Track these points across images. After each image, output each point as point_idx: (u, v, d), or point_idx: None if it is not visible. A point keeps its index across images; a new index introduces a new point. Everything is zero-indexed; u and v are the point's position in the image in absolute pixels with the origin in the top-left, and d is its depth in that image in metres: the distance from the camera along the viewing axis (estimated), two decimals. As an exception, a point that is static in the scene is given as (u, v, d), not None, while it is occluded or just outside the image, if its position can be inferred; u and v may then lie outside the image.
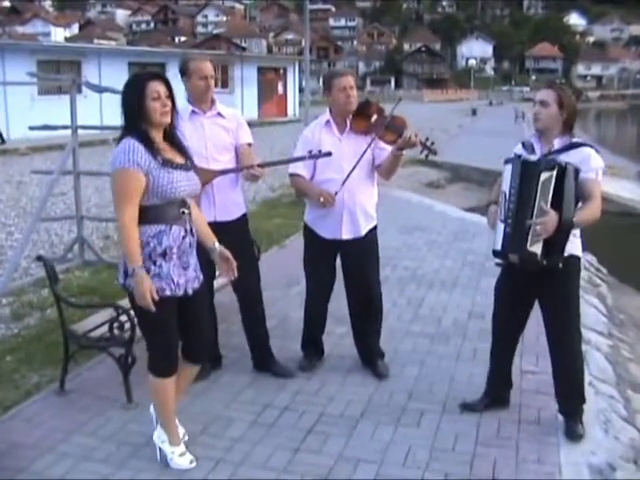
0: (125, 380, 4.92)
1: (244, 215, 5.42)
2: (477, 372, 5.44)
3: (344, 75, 5.28)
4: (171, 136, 4.06)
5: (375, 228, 5.48)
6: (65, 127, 8.64)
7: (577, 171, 4.30)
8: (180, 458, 4.24)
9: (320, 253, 5.47)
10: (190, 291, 4.03)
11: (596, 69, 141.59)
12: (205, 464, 4.26)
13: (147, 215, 3.87)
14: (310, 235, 5.50)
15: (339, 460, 4.31)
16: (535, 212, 4.28)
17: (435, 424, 4.77)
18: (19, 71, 12.01)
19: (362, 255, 5.39)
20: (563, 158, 4.38)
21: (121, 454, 4.38)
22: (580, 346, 4.74)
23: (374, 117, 5.15)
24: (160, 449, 4.29)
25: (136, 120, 3.89)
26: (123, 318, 4.91)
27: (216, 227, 5.06)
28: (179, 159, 4.01)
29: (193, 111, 5.18)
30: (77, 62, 30.96)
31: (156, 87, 3.90)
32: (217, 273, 5.14)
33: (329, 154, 5.02)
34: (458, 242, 10.28)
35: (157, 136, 3.96)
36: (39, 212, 8.38)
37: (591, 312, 7.45)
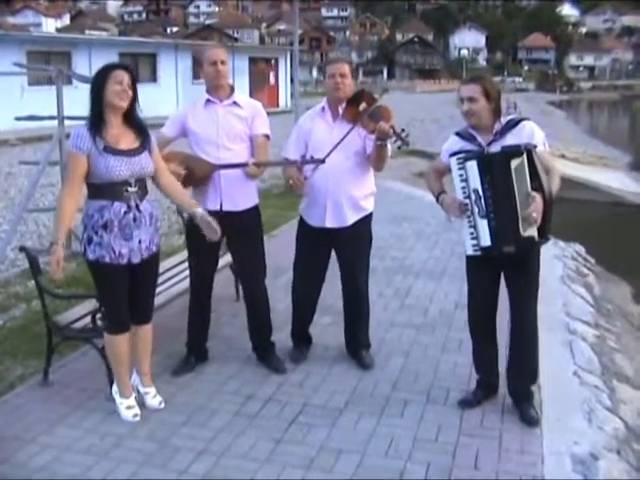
0: (108, 371, 4.90)
1: (255, 207, 5.37)
2: (462, 362, 5.45)
3: (335, 62, 5.34)
4: (130, 119, 4.52)
5: (367, 219, 5.45)
6: (52, 118, 8.60)
7: (535, 147, 4.41)
8: (126, 410, 4.71)
9: (310, 241, 5.48)
10: (136, 260, 4.54)
11: (588, 60, 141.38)
12: (187, 454, 4.26)
13: (93, 191, 4.47)
14: (302, 223, 5.55)
15: (321, 450, 4.31)
16: (518, 199, 4.31)
17: (419, 414, 4.77)
18: (8, 62, 11.91)
19: (349, 245, 5.39)
20: (510, 137, 4.52)
21: (104, 445, 4.38)
22: (536, 324, 4.77)
23: (362, 106, 5.14)
24: (114, 400, 4.79)
25: (97, 103, 4.38)
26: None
27: (222, 216, 5.11)
28: (129, 144, 4.48)
29: (208, 100, 5.21)
30: (67, 53, 30.83)
31: (121, 74, 4.39)
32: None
33: (322, 161, 5.03)
34: (447, 232, 10.25)
35: (113, 119, 4.45)
36: (25, 203, 8.36)
37: (578, 302, 7.46)
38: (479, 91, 4.53)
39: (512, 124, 4.60)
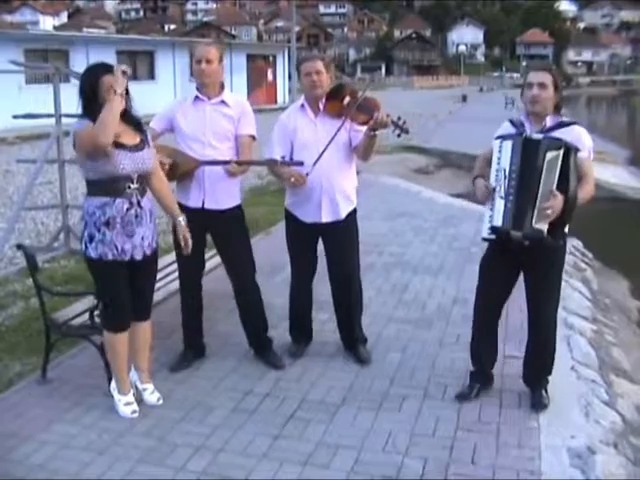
0: (107, 368, 4.91)
1: (237, 207, 5.36)
2: (460, 357, 5.46)
3: (310, 60, 5.28)
4: (128, 117, 4.49)
5: (355, 212, 5.47)
6: (49, 116, 8.60)
7: (577, 150, 4.39)
8: (125, 407, 4.72)
9: (301, 237, 5.49)
10: (138, 257, 4.54)
11: (587, 55, 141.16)
12: (185, 450, 4.27)
13: (94, 188, 4.44)
14: (291, 219, 5.53)
15: (319, 446, 4.32)
16: (540, 190, 4.31)
17: (416, 409, 4.78)
18: (5, 60, 11.90)
19: (342, 238, 5.40)
20: (557, 135, 4.47)
21: (102, 442, 4.39)
22: (556, 317, 4.83)
23: (347, 99, 5.14)
24: (112, 396, 4.78)
25: (92, 107, 4.32)
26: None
27: (205, 214, 5.13)
28: (131, 139, 4.47)
29: (197, 97, 5.20)
30: (65, 51, 30.82)
31: (109, 80, 4.30)
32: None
33: (301, 163, 5.06)
34: (444, 228, 10.29)
35: None
36: (23, 201, 8.37)
37: (575, 297, 7.46)
38: (550, 80, 4.53)
39: (564, 124, 4.59)
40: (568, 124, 4.61)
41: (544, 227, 4.37)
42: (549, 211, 4.28)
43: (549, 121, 4.58)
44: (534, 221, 4.34)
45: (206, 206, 5.19)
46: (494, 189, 4.52)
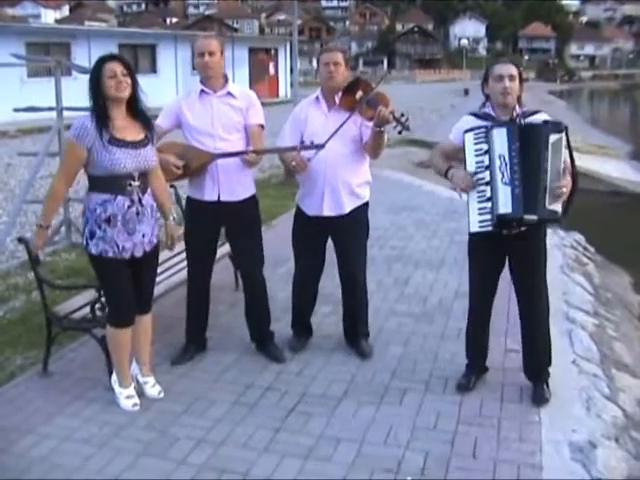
0: (108, 361, 4.92)
1: (252, 197, 5.36)
2: (461, 351, 5.43)
3: (329, 51, 5.31)
4: (134, 110, 4.49)
5: (364, 207, 5.44)
6: (50, 109, 8.60)
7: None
8: (126, 400, 4.72)
9: (306, 230, 5.48)
10: (138, 254, 4.54)
11: (589, 49, 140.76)
12: (186, 444, 4.27)
13: (95, 184, 4.43)
14: (298, 212, 5.53)
15: (320, 439, 4.32)
16: (549, 173, 4.38)
17: (417, 403, 4.78)
18: (7, 53, 11.89)
19: (346, 233, 5.38)
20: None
21: (103, 435, 4.39)
22: (547, 306, 4.87)
23: (359, 94, 5.13)
24: (113, 389, 4.79)
25: (96, 97, 4.34)
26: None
27: (220, 207, 5.12)
28: (134, 135, 4.45)
29: (202, 90, 5.18)
30: (66, 44, 30.75)
31: (112, 67, 4.33)
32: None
33: (322, 146, 5.02)
34: (446, 222, 10.27)
35: (117, 111, 4.41)
36: (24, 194, 8.37)
37: (577, 291, 7.45)
38: (517, 72, 4.61)
39: (529, 113, 4.67)
40: (534, 112, 4.70)
41: (558, 208, 4.45)
42: (563, 189, 4.39)
43: (518, 110, 4.65)
44: (547, 202, 4.39)
45: (222, 199, 5.18)
46: (482, 179, 4.53)
